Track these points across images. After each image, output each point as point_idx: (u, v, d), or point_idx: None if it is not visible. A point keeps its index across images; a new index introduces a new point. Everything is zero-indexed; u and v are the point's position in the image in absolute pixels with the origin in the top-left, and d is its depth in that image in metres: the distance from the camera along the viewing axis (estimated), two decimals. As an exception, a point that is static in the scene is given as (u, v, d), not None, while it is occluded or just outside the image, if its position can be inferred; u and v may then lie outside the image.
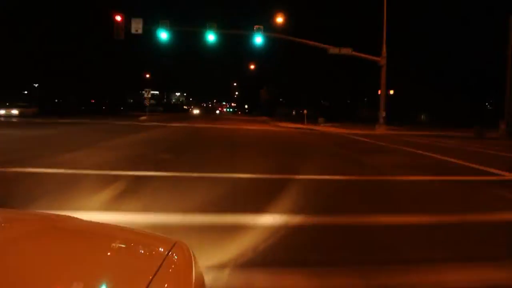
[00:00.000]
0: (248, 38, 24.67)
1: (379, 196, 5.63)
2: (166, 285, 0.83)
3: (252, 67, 65.47)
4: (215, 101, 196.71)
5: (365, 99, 44.51)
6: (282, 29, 27.31)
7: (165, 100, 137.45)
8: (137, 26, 22.96)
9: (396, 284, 2.68)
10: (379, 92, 24.82)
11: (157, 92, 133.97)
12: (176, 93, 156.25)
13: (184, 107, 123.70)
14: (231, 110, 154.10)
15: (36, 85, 49.08)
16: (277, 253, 3.08)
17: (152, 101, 54.06)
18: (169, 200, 4.68)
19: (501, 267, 3.03)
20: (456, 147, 14.05)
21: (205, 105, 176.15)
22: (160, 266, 0.86)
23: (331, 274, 2.80)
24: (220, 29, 24.39)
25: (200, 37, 24.52)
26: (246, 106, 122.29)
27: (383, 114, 24.22)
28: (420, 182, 6.89)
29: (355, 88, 41.50)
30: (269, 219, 3.95)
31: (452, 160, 9.82)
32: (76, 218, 1.24)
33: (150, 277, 0.80)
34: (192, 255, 1.02)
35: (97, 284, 0.81)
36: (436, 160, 10.08)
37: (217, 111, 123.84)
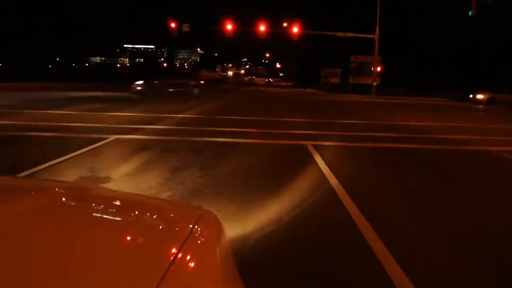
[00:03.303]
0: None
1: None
2: (192, 258, 0.81)
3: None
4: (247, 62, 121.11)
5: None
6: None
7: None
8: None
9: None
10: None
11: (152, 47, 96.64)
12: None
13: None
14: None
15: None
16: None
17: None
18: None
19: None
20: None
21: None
22: (186, 239, 0.84)
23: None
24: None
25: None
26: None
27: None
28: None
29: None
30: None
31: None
32: (101, 187, 1.21)
33: (176, 251, 0.78)
34: (220, 225, 1.00)
35: (119, 260, 0.76)
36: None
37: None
